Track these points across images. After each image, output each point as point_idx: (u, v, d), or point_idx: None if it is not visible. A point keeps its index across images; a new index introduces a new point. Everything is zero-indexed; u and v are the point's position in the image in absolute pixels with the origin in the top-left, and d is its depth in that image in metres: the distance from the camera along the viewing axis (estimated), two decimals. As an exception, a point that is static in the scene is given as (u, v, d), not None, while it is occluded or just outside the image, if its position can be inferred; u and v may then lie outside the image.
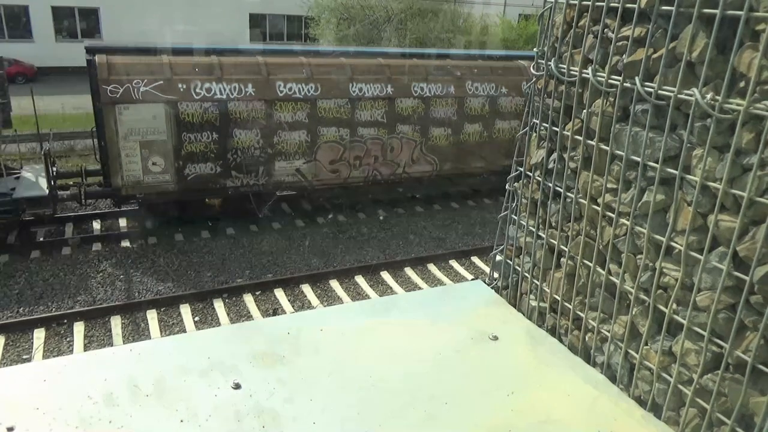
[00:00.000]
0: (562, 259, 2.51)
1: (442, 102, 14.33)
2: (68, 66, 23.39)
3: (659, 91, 1.96)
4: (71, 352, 8.87)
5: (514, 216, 2.79)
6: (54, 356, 8.48)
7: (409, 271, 11.89)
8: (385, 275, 11.68)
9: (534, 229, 2.65)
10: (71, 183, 12.69)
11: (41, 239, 12.17)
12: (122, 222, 13.43)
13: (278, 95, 12.33)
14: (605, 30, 2.16)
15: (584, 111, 2.28)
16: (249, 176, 12.64)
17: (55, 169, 12.31)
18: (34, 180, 11.67)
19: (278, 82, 12.31)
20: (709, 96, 1.81)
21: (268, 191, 13.23)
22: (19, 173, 12.20)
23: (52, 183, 11.63)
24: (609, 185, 2.21)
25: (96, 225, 13.25)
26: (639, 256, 2.13)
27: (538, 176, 2.59)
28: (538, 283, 2.66)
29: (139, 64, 11.46)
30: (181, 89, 11.47)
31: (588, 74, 2.22)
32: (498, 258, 2.93)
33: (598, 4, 2.17)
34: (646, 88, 2.00)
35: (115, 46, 12.18)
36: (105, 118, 11.11)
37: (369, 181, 14.20)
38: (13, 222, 11.76)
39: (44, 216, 12.04)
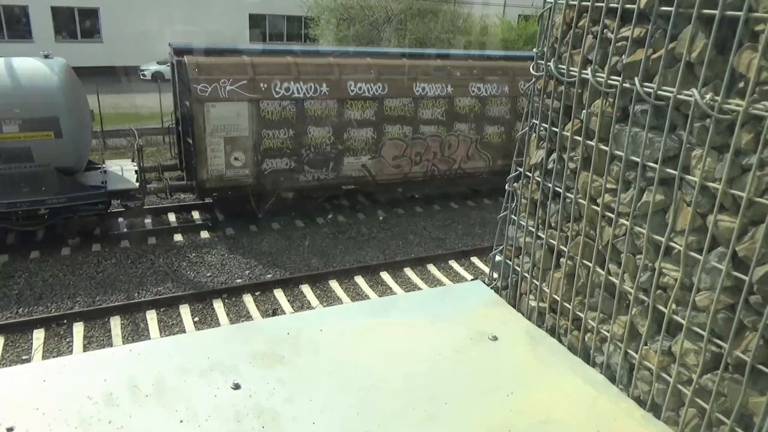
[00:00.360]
0: (561, 260, 2.52)
1: (496, 101, 15.00)
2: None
3: (658, 92, 1.96)
4: (71, 352, 8.87)
5: (513, 216, 2.79)
6: (53, 357, 8.48)
7: (408, 272, 11.89)
8: (385, 275, 11.68)
9: (533, 230, 2.65)
10: (153, 177, 13.39)
11: (40, 239, 12.17)
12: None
13: (349, 94, 13.08)
14: (605, 30, 2.16)
15: (584, 111, 2.29)
16: (320, 171, 13.41)
17: (134, 163, 12.89)
18: (120, 174, 12.26)
19: (349, 82, 13.05)
20: (708, 96, 1.81)
21: (336, 185, 14.03)
22: (103, 167, 12.71)
23: (143, 176, 12.25)
24: (608, 185, 2.22)
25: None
26: (638, 257, 2.13)
27: (538, 176, 2.59)
28: (538, 283, 2.66)
29: (224, 65, 12.08)
30: (263, 88, 12.14)
31: (587, 75, 2.22)
32: (497, 258, 2.93)
33: (597, 4, 2.17)
34: (646, 89, 2.00)
35: (198, 46, 12.86)
36: (194, 115, 11.71)
37: (428, 177, 14.92)
38: (103, 214, 12.34)
39: (135, 208, 12.68)
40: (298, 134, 12.77)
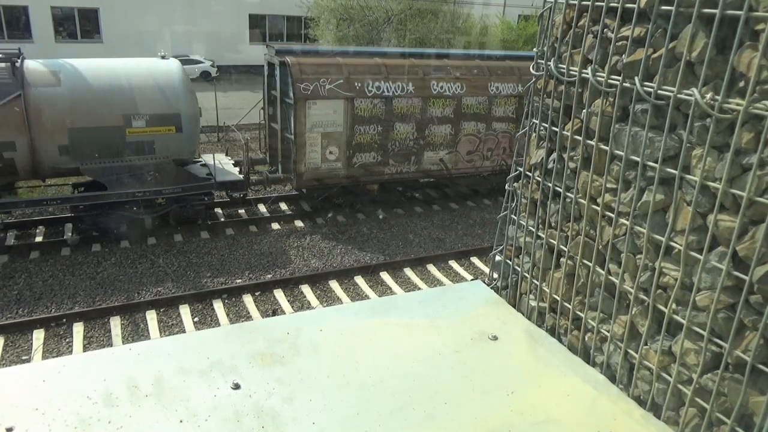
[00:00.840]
0: (561, 259, 2.51)
1: None
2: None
3: (659, 91, 1.96)
4: (70, 352, 8.86)
5: (513, 216, 2.79)
6: (53, 357, 8.48)
7: (408, 272, 11.88)
8: (385, 276, 11.68)
9: (533, 229, 2.65)
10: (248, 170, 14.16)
11: (40, 240, 12.16)
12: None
13: (432, 93, 14.06)
14: (605, 30, 2.16)
15: (584, 111, 2.28)
16: (402, 164, 14.39)
17: (229, 158, 13.96)
18: (221, 166, 13.04)
19: (432, 81, 14.05)
20: (708, 96, 1.81)
21: (416, 178, 15.04)
22: (202, 161, 13.46)
23: (248, 168, 13.16)
24: (608, 185, 2.21)
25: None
26: (638, 256, 2.12)
27: (538, 176, 2.59)
28: (538, 283, 2.66)
29: (323, 65, 13.10)
30: (357, 87, 13.20)
31: (587, 74, 2.22)
32: (498, 258, 2.93)
33: (597, 4, 2.17)
34: (646, 88, 2.00)
35: (295, 48, 14.32)
36: (297, 112, 12.65)
37: (496, 171, 15.62)
38: (210, 203, 13.24)
39: (239, 198, 13.79)
40: (386, 130, 13.84)
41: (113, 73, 11.47)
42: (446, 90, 14.17)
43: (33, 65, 11.02)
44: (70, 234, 12.34)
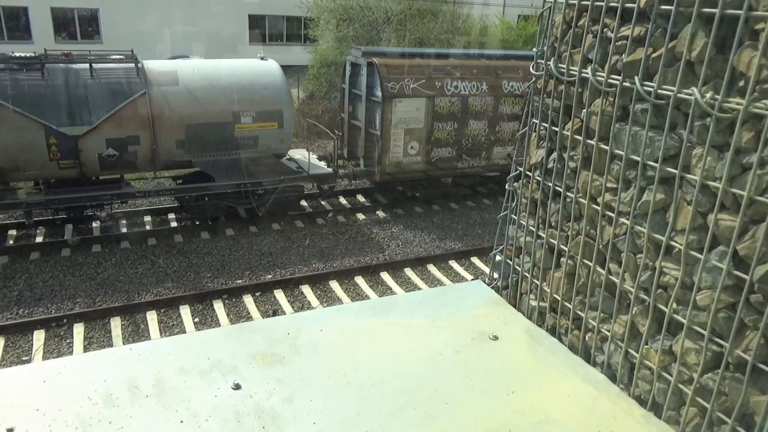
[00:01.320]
0: (562, 259, 2.51)
1: None
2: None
3: (659, 91, 1.96)
4: (71, 353, 8.86)
5: (513, 216, 2.79)
6: (54, 357, 8.48)
7: (408, 272, 11.88)
8: (385, 276, 11.68)
9: (534, 229, 2.65)
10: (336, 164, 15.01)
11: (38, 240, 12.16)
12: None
13: (503, 92, 14.91)
14: (604, 29, 2.16)
15: (584, 110, 2.28)
16: (474, 159, 15.21)
17: (312, 153, 14.67)
18: (306, 160, 13.86)
19: (503, 80, 14.90)
20: (708, 95, 1.81)
21: (484, 173, 15.85)
22: (288, 155, 14.08)
23: (336, 162, 14.14)
24: (609, 185, 2.21)
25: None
26: (639, 256, 2.12)
27: (538, 176, 2.59)
28: (538, 282, 2.66)
29: (407, 66, 14.01)
30: (437, 86, 14.10)
31: (587, 74, 2.22)
32: (498, 258, 2.93)
33: (597, 3, 2.17)
34: (646, 88, 2.00)
35: (374, 49, 15.41)
36: (384, 109, 13.59)
37: None
38: (300, 195, 14.09)
39: (327, 190, 14.70)
40: (461, 126, 14.71)
41: (223, 73, 12.42)
42: (516, 89, 14.99)
43: (152, 66, 11.84)
44: (70, 235, 12.35)
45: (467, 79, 14.50)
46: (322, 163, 14.39)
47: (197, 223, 13.35)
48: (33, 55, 11.07)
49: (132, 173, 12.75)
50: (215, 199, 12.69)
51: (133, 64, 11.49)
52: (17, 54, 11.02)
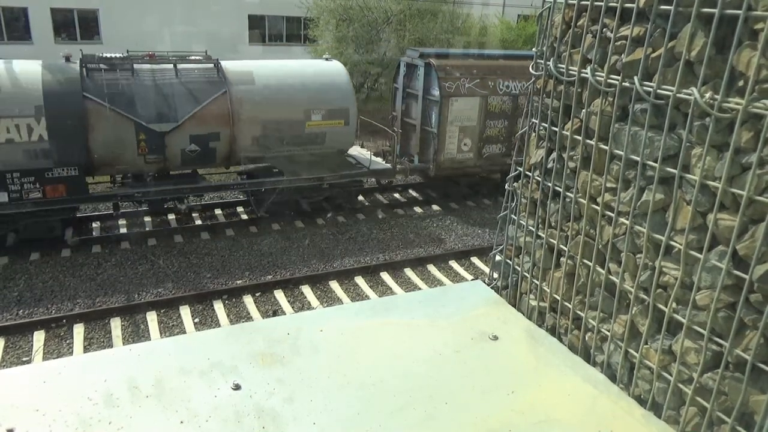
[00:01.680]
0: (561, 259, 2.51)
1: None
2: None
3: (658, 91, 1.96)
4: (71, 353, 8.85)
5: (513, 216, 2.79)
6: (54, 358, 8.47)
7: (408, 272, 11.88)
8: (385, 276, 11.68)
9: (533, 229, 2.65)
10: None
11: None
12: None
13: None
14: (604, 29, 2.16)
15: (583, 110, 2.29)
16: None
17: (365, 149, 15.36)
18: (363, 157, 14.58)
19: None
20: (708, 95, 1.81)
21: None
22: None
23: (394, 158, 14.65)
24: (608, 184, 2.22)
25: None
26: (638, 256, 2.13)
27: (538, 176, 2.59)
28: (538, 282, 2.66)
29: (462, 66, 14.72)
30: (490, 86, 14.82)
31: (587, 74, 2.22)
32: (498, 258, 2.93)
33: (596, 3, 2.17)
34: (645, 88, 2.00)
35: (428, 50, 15.75)
36: (441, 108, 14.35)
37: None
38: (359, 190, 14.87)
39: (386, 184, 15.77)
40: (510, 124, 15.25)
41: (294, 72, 13.15)
42: None
43: (229, 66, 12.50)
44: (70, 235, 12.35)
45: (518, 78, 15.03)
46: (379, 159, 14.90)
47: (198, 223, 13.40)
48: (121, 55, 11.73)
49: (208, 168, 13.43)
50: (283, 193, 13.26)
51: (212, 65, 12.21)
52: (106, 55, 11.65)
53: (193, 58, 12.39)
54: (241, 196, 14.51)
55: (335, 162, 13.60)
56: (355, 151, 14.71)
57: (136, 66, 11.61)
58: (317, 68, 13.57)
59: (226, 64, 12.45)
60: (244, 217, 13.88)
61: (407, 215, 14.67)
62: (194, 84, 11.95)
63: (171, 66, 11.92)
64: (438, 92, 14.28)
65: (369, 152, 14.90)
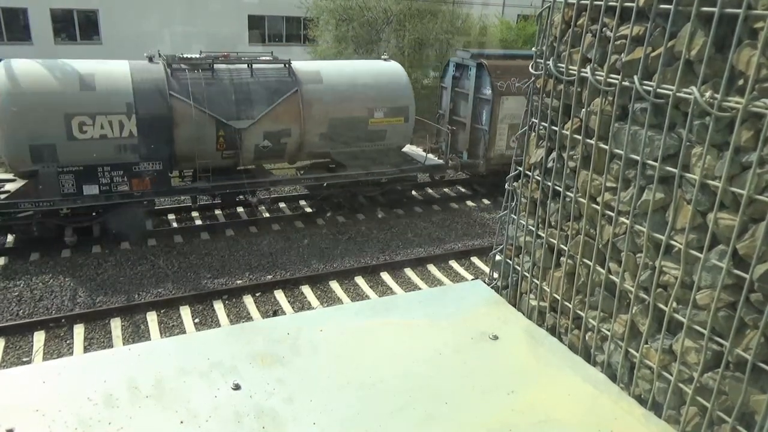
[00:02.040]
0: (561, 259, 2.51)
1: None
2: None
3: (658, 90, 1.96)
4: (71, 354, 8.85)
5: (513, 215, 2.79)
6: (54, 358, 8.47)
7: (408, 272, 11.88)
8: (385, 276, 11.68)
9: (533, 229, 2.65)
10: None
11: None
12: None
13: None
14: (603, 29, 2.16)
15: (583, 110, 2.28)
16: None
17: (415, 146, 15.74)
18: (417, 153, 15.19)
19: None
20: (708, 94, 1.81)
21: None
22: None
23: (447, 154, 15.46)
24: (608, 184, 2.21)
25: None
26: (639, 255, 2.12)
27: (538, 175, 2.59)
28: (538, 282, 2.65)
29: (511, 66, 15.22)
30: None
31: (587, 73, 2.22)
32: (498, 258, 2.93)
33: (596, 3, 2.17)
34: (645, 87, 2.00)
35: (473, 52, 16.50)
36: (493, 106, 15.03)
37: None
38: (414, 185, 15.50)
39: (439, 179, 16.44)
40: None
41: (357, 72, 13.86)
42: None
43: (299, 66, 13.25)
44: (69, 235, 12.34)
45: None
46: (431, 155, 15.35)
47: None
48: (200, 56, 12.45)
49: (278, 163, 14.08)
50: (344, 187, 13.98)
51: (283, 65, 12.91)
52: (186, 55, 12.34)
53: (263, 58, 13.05)
54: (304, 190, 15.00)
55: (394, 157, 14.20)
56: (406, 148, 15.16)
57: (215, 66, 12.26)
58: (379, 68, 14.22)
59: (296, 65, 13.13)
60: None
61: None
62: (268, 83, 12.55)
63: (246, 66, 12.60)
64: (490, 91, 14.85)
65: (420, 149, 15.42)
